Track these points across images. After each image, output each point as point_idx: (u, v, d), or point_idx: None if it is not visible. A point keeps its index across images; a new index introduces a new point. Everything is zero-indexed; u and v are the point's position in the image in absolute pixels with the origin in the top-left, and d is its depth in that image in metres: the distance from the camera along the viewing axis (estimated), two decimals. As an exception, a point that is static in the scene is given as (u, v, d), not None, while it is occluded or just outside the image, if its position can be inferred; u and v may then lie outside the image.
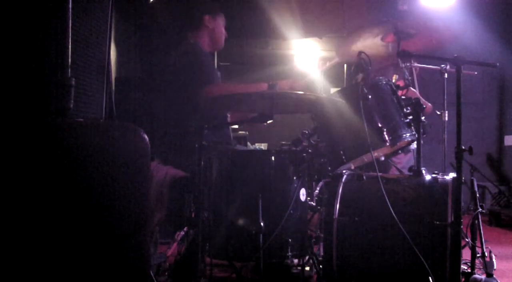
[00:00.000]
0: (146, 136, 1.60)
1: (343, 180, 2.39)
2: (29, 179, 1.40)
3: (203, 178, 2.32)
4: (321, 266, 2.38)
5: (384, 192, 2.20)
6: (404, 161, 3.87)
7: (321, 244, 2.44)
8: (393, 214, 2.15)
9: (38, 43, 1.61)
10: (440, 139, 3.57)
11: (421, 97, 3.72)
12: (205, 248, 2.33)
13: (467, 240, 2.38)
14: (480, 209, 2.42)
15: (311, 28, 6.12)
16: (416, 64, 3.69)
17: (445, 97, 3.58)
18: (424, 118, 2.53)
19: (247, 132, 4.65)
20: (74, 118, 1.65)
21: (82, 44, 1.87)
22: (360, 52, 2.61)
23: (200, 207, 2.30)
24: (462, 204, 2.05)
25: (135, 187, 1.55)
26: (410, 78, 2.76)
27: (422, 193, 2.30)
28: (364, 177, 2.39)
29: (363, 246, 2.24)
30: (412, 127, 2.48)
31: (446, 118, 3.61)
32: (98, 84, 1.98)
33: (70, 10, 1.62)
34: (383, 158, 2.68)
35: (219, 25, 3.23)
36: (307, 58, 7.82)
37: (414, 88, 3.69)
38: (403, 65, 2.99)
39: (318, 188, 2.61)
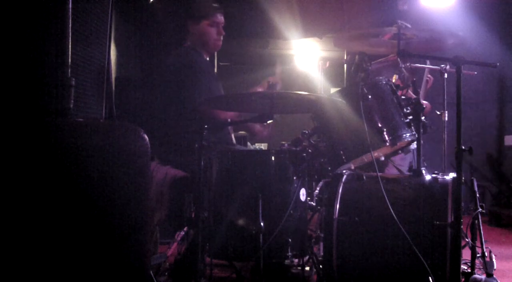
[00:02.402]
0: (146, 136, 1.60)
1: (343, 180, 2.39)
2: (29, 178, 1.40)
3: (203, 178, 2.32)
4: (321, 266, 2.38)
5: (384, 192, 2.20)
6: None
7: (321, 244, 2.44)
8: (393, 214, 2.15)
9: (38, 43, 1.61)
10: (440, 139, 3.57)
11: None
12: (205, 248, 2.33)
13: (467, 240, 2.38)
14: (480, 209, 2.42)
15: (311, 28, 6.11)
16: (417, 65, 3.69)
17: (445, 97, 3.58)
18: (424, 118, 2.53)
19: (246, 132, 4.64)
20: (74, 118, 1.65)
21: (82, 44, 1.87)
22: (360, 52, 2.60)
23: (200, 207, 2.30)
24: (462, 204, 2.05)
25: (135, 187, 1.55)
26: (413, 79, 2.76)
27: (422, 193, 2.30)
28: (364, 177, 2.39)
29: (363, 246, 2.24)
30: (412, 127, 2.48)
31: (446, 118, 3.61)
32: (98, 84, 1.98)
33: (70, 10, 1.62)
34: (383, 158, 2.69)
35: (203, 29, 3.11)
36: (307, 58, 7.82)
37: (419, 90, 3.68)
38: (403, 65, 2.99)
39: (318, 188, 2.61)
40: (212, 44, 3.16)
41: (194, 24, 3.13)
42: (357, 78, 2.52)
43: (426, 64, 3.77)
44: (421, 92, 3.77)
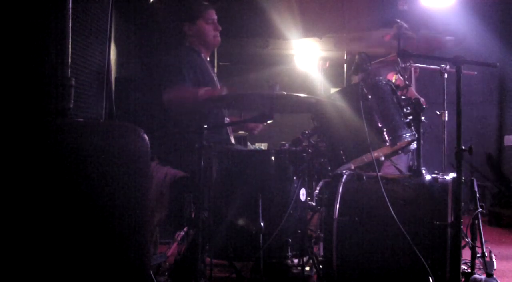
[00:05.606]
0: (146, 136, 1.60)
1: (343, 180, 2.39)
2: (29, 178, 1.40)
3: (203, 178, 2.32)
4: (321, 266, 2.38)
5: (384, 192, 2.20)
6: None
7: (321, 244, 2.44)
8: (393, 214, 2.15)
9: (38, 43, 1.61)
10: (440, 139, 3.57)
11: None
12: (205, 248, 2.33)
13: (467, 240, 2.38)
14: (480, 209, 2.42)
15: (311, 28, 6.11)
16: (417, 65, 3.70)
17: (445, 97, 3.58)
18: (424, 118, 2.53)
19: (247, 133, 4.64)
20: (74, 118, 1.65)
21: (82, 44, 1.87)
22: (360, 52, 2.60)
23: (200, 207, 2.30)
24: (462, 204, 2.05)
25: (135, 187, 1.55)
26: (406, 77, 2.77)
27: (422, 193, 2.30)
28: (364, 177, 2.39)
29: (363, 246, 2.23)
30: (412, 127, 2.48)
31: (446, 118, 3.61)
32: (98, 84, 1.98)
33: (70, 10, 1.62)
34: (383, 158, 2.68)
35: (200, 28, 3.16)
36: (307, 58, 7.82)
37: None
38: (403, 65, 2.99)
39: (318, 188, 2.61)
40: (211, 40, 3.21)
41: (191, 26, 3.17)
42: (357, 78, 2.52)
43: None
44: (413, 85, 3.77)
